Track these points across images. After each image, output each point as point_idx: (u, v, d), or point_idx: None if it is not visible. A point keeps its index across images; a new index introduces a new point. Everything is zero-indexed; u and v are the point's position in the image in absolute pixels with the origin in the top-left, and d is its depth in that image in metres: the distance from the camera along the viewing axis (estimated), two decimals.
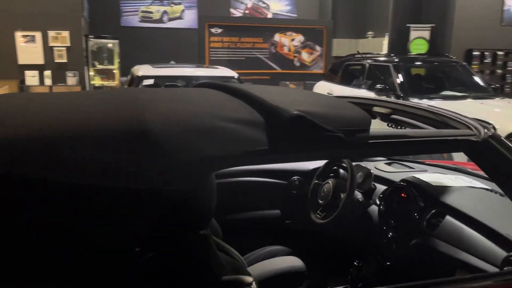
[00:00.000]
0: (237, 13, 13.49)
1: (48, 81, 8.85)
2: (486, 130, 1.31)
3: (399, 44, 8.93)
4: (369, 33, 11.54)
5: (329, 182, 2.14)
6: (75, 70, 9.00)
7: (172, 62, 5.64)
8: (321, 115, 1.11)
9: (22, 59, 8.71)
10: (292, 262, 1.75)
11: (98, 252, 0.93)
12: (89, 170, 0.85)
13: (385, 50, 9.95)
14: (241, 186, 2.37)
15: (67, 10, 8.84)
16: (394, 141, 1.23)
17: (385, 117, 1.69)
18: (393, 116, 1.62)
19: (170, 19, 13.00)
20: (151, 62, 7.18)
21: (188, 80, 4.40)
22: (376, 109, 1.69)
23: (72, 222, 0.90)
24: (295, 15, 12.73)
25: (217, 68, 5.10)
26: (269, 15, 12.65)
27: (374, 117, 1.73)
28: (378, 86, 5.50)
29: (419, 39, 8.79)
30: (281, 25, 10.05)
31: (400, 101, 1.72)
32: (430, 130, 1.37)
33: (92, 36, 9.70)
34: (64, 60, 8.89)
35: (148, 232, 0.98)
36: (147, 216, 0.96)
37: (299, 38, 9.93)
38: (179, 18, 12.97)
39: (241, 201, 2.37)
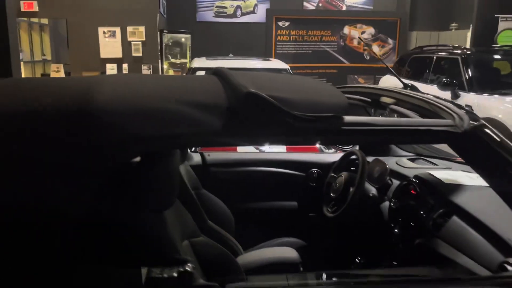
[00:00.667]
0: (310, 6, 13.35)
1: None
2: (471, 122, 1.20)
3: (485, 36, 8.25)
4: (453, 25, 10.77)
5: (341, 176, 2.08)
6: (149, 63, 9.54)
7: (231, 55, 5.77)
8: (285, 98, 1.10)
9: (103, 53, 9.43)
10: (286, 253, 1.73)
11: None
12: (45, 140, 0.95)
13: (469, 43, 9.26)
14: (260, 175, 2.39)
15: (144, 6, 9.39)
16: (367, 129, 1.17)
17: (376, 105, 1.62)
18: (383, 103, 1.55)
19: (243, 14, 13.22)
20: (221, 56, 7.41)
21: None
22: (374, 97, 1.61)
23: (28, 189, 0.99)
24: (371, 7, 12.28)
25: (270, 60, 5.12)
26: (344, 8, 12.34)
27: (384, 108, 1.66)
28: (443, 80, 5.14)
29: (508, 31, 8.04)
30: (350, 17, 9.76)
31: (397, 90, 1.62)
32: (411, 119, 1.28)
33: (166, 31, 10.19)
34: (140, 54, 9.48)
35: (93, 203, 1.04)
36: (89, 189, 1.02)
37: (369, 31, 9.59)
38: (252, 12, 13.14)
39: (259, 191, 2.38)
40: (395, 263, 1.78)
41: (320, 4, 12.71)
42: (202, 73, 4.61)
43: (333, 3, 12.68)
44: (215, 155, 2.37)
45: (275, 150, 2.78)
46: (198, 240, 1.50)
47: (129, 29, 9.38)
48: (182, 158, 1.89)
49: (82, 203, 1.01)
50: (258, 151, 3.17)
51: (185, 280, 1.04)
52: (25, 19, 10.21)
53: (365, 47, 9.28)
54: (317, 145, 3.01)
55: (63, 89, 1.07)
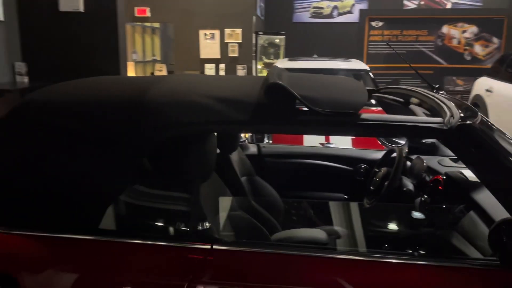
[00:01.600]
0: (411, 5, 12.87)
1: (222, 73, 10.14)
2: (460, 120, 1.30)
3: None
4: None
5: (381, 170, 2.20)
6: (244, 63, 10.08)
7: (315, 55, 5.95)
8: (310, 96, 1.32)
9: (203, 54, 10.20)
10: (315, 233, 1.93)
11: None
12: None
13: None
14: (310, 167, 2.60)
15: (241, 10, 9.95)
16: (367, 123, 1.35)
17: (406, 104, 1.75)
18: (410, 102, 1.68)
19: (340, 14, 13.20)
20: (305, 56, 7.63)
21: (314, 72, 4.69)
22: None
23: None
24: (480, 4, 11.46)
25: (350, 61, 5.20)
26: (448, 5, 11.69)
27: (407, 104, 1.79)
28: None
29: None
30: (450, 15, 9.28)
31: (420, 91, 1.73)
32: (405, 117, 1.40)
33: (261, 33, 10.65)
34: (236, 55, 10.06)
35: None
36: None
37: (471, 30, 9.03)
38: (349, 12, 13.04)
39: (308, 181, 2.59)
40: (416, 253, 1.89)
41: (422, 2, 12.20)
42: None
43: (437, 0, 12.09)
44: (271, 147, 2.64)
45: (341, 146, 2.94)
46: (235, 213, 1.78)
47: (227, 31, 10.01)
48: (233, 146, 2.18)
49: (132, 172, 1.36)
50: (322, 146, 3.37)
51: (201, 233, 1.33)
52: (139, 23, 11.44)
53: (466, 47, 8.78)
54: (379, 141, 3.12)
55: (131, 85, 1.44)
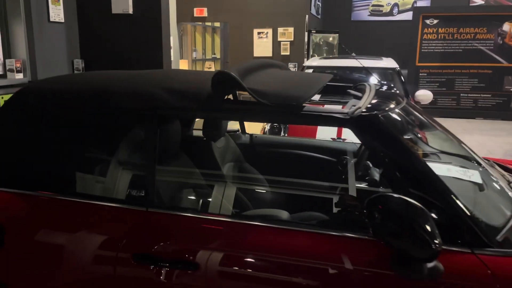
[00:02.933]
0: (478, 1, 12.25)
1: None
2: (363, 111, 1.46)
3: None
4: None
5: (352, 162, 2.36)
6: (295, 61, 10.27)
7: (353, 54, 6.01)
8: (260, 89, 1.55)
9: (256, 52, 10.54)
10: (278, 212, 2.14)
11: None
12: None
13: None
14: (297, 157, 2.79)
15: (295, 9, 10.14)
16: (281, 111, 1.55)
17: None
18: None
19: (400, 11, 12.90)
20: (366, 54, 7.67)
21: (344, 70, 4.79)
22: None
23: None
24: None
25: (382, 59, 5.20)
26: None
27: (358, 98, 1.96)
28: None
29: None
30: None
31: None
32: (314, 106, 1.57)
33: (314, 31, 10.76)
34: (288, 53, 10.28)
35: None
36: None
37: None
38: (410, 10, 12.71)
39: (294, 170, 2.79)
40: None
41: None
42: (310, 71, 5.05)
43: None
44: (263, 137, 2.86)
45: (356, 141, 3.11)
46: (201, 190, 2.06)
47: (280, 30, 10.26)
48: (217, 135, 2.44)
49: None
50: (333, 140, 3.52)
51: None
52: (200, 22, 12.04)
53: None
54: None
55: (108, 78, 1.77)
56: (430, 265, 1.28)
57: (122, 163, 1.80)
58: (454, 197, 1.39)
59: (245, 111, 1.56)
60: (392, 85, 2.23)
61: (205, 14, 10.72)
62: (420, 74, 9.21)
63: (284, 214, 2.13)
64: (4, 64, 4.44)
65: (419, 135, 1.88)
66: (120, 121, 1.87)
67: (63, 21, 5.15)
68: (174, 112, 1.65)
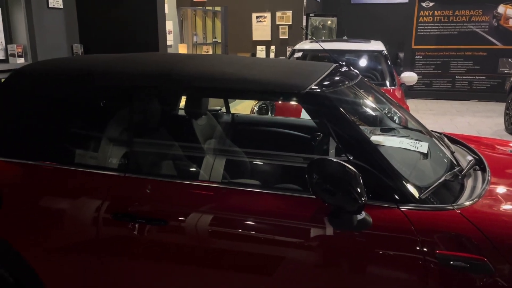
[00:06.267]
0: None
1: (272, 55, 10.55)
2: (313, 87, 1.68)
3: None
4: None
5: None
6: (294, 45, 10.37)
7: (345, 37, 6.16)
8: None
9: (255, 36, 10.67)
10: (249, 182, 2.38)
11: None
12: None
13: None
14: (274, 134, 3.01)
15: None
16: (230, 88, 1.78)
17: None
18: None
19: None
20: (364, 37, 7.80)
21: (334, 53, 4.95)
22: None
23: None
24: None
25: (369, 42, 5.36)
26: None
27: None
28: None
29: None
30: None
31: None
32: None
33: (312, 15, 10.84)
34: (286, 37, 10.40)
35: None
36: None
37: None
38: None
39: (272, 146, 3.00)
40: None
41: None
42: (299, 54, 5.24)
43: None
44: (243, 116, 3.08)
45: None
46: (179, 161, 2.29)
47: (278, 13, 10.36)
48: (198, 114, 2.66)
49: None
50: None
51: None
52: (200, 7, 12.16)
53: None
54: None
55: (91, 60, 2.00)
56: (359, 217, 1.51)
57: (114, 138, 2.03)
58: (386, 162, 1.60)
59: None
60: (350, 66, 2.41)
61: None
62: (416, 57, 9.33)
63: (254, 183, 2.36)
64: (6, 49, 4.66)
65: (391, 109, 2.08)
66: (105, 99, 2.10)
67: (61, 7, 5.35)
68: (147, 90, 1.88)
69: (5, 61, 4.67)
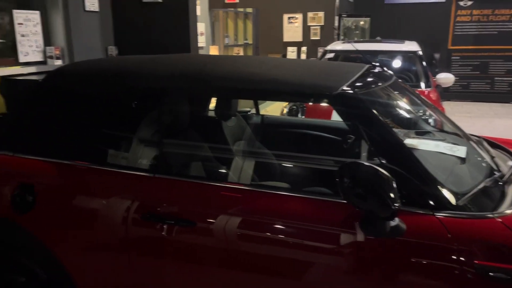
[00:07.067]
0: None
1: (303, 56, 10.48)
2: (344, 88, 1.63)
3: None
4: None
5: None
6: (325, 46, 10.26)
7: (378, 38, 6.03)
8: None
9: (286, 37, 10.62)
10: (279, 185, 2.35)
11: None
12: None
13: None
14: (306, 136, 2.97)
15: None
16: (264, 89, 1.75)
17: None
18: None
19: None
20: (398, 38, 7.62)
21: (366, 54, 4.84)
22: None
23: None
24: None
25: (403, 42, 5.21)
26: None
27: None
28: None
29: None
30: None
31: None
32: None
33: (345, 15, 10.69)
34: (318, 38, 10.30)
35: None
36: None
37: None
38: None
39: (302, 147, 2.97)
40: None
41: None
42: (331, 55, 5.16)
43: None
44: (273, 117, 3.06)
45: None
46: (208, 162, 2.29)
47: (310, 14, 10.28)
48: (228, 115, 2.65)
49: None
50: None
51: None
52: (232, 9, 12.23)
53: None
54: None
55: (126, 61, 2.02)
56: (392, 223, 1.45)
57: (144, 139, 2.04)
58: (420, 166, 1.54)
59: None
60: (384, 68, 2.34)
61: (236, 0, 10.88)
62: (453, 58, 9.05)
63: (283, 185, 2.33)
64: (44, 51, 4.82)
65: (426, 111, 2.01)
66: (136, 99, 2.12)
67: (98, 10, 5.48)
68: (178, 91, 1.88)
69: (44, 62, 4.82)
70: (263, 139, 2.91)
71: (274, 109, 4.79)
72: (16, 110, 2.12)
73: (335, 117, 3.94)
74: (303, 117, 4.19)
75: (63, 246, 1.88)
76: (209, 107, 2.97)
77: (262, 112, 3.12)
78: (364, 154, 2.46)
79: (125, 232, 1.78)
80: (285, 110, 4.38)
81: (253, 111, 3.13)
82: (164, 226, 1.70)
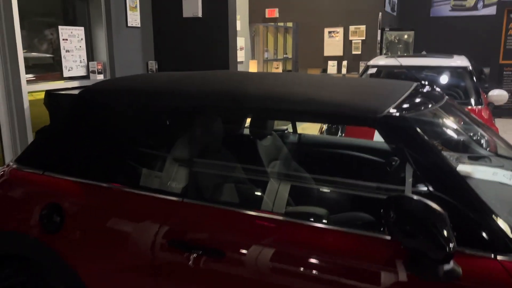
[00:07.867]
0: None
1: (343, 70, 10.27)
2: (390, 110, 1.46)
3: None
4: None
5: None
6: (367, 60, 10.03)
7: (424, 52, 5.77)
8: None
9: (327, 51, 10.46)
10: (317, 210, 2.20)
11: None
12: None
13: None
14: (345, 157, 2.81)
15: (367, 7, 9.91)
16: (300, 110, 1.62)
17: None
18: None
19: (485, 5, 12.02)
20: (444, 52, 7.32)
21: (412, 69, 4.61)
22: None
23: None
24: None
25: (452, 57, 4.92)
26: None
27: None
28: None
29: None
30: None
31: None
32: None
33: (387, 29, 10.41)
34: (359, 52, 10.07)
35: None
36: None
37: None
38: (495, 4, 11.81)
39: (341, 169, 2.80)
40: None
41: None
42: (374, 70, 4.96)
43: None
44: (310, 136, 2.91)
45: None
46: (241, 185, 2.17)
47: (351, 28, 10.08)
48: (263, 134, 2.54)
49: None
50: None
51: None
52: (272, 23, 12.21)
53: None
54: None
55: (157, 79, 1.96)
56: (446, 266, 1.27)
57: (177, 159, 1.96)
58: (477, 198, 1.35)
59: None
60: (434, 86, 2.15)
61: (276, 15, 10.86)
62: (504, 73, 8.56)
63: (322, 212, 2.17)
64: (87, 66, 4.92)
65: (473, 134, 1.83)
66: (169, 118, 2.04)
67: (139, 25, 5.56)
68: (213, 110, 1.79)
69: (87, 77, 4.91)
70: (300, 159, 2.77)
71: (312, 126, 4.63)
72: (52, 126, 2.10)
73: (378, 137, 3.75)
74: (343, 136, 4.01)
75: (88, 269, 1.81)
76: (244, 125, 2.87)
77: (299, 130, 2.99)
78: (410, 180, 2.26)
79: (151, 258, 1.69)
80: (324, 128, 4.22)
81: (290, 129, 3.00)
82: (192, 256, 1.60)
